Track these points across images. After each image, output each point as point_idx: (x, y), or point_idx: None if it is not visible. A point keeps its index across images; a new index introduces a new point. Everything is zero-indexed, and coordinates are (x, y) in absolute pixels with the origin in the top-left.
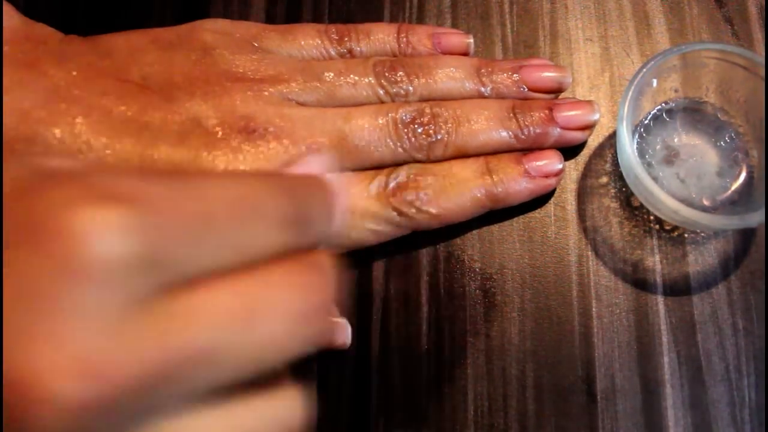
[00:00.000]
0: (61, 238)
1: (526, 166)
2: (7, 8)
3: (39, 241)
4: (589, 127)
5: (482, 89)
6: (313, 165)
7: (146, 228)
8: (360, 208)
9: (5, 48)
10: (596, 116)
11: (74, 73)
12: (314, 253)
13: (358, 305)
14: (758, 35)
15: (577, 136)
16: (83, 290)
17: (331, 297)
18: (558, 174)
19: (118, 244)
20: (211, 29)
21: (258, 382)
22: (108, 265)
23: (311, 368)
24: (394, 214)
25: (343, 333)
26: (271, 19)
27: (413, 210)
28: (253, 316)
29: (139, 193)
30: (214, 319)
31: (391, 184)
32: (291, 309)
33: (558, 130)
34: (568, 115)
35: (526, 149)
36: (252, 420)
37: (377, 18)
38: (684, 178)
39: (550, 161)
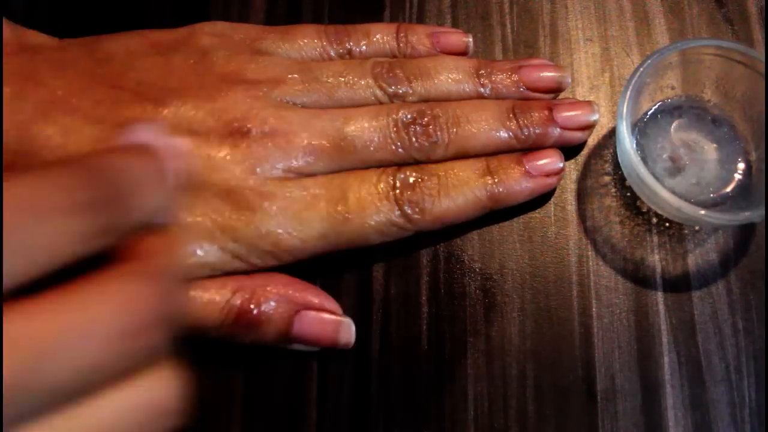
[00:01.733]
0: None
1: (527, 166)
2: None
3: None
4: (588, 127)
5: (482, 90)
6: (138, 133)
7: None
8: (367, 206)
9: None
10: (596, 116)
11: (70, 80)
12: (148, 243)
13: (358, 305)
14: (758, 35)
15: (576, 135)
16: None
17: (166, 303)
18: (559, 173)
19: None
20: (210, 32)
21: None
22: None
23: (182, 349)
24: (399, 214)
25: (348, 332)
26: (270, 19)
27: (417, 211)
28: (65, 344)
29: None
30: (23, 351)
31: (397, 184)
32: (108, 330)
33: (558, 130)
34: (568, 115)
35: (526, 149)
36: (118, 413)
37: (377, 18)
38: (684, 175)
39: (551, 160)
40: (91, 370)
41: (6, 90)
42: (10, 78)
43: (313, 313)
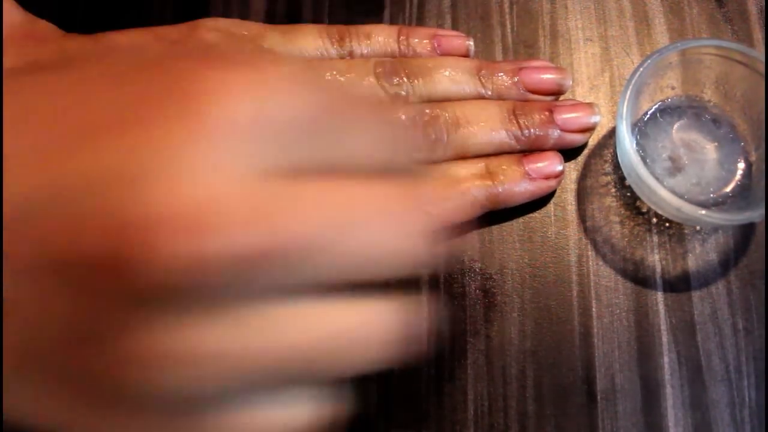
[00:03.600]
0: (190, 98)
1: (527, 168)
2: (10, 5)
3: (172, 99)
4: (589, 129)
5: (482, 90)
6: None
7: (266, 99)
8: None
9: (6, 44)
10: (596, 118)
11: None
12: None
13: None
14: (758, 35)
15: (577, 138)
16: (212, 144)
17: (436, 228)
18: (558, 176)
19: (244, 103)
20: (213, 28)
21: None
22: (234, 123)
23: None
24: None
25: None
26: (270, 18)
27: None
28: (367, 220)
29: (266, 68)
30: (332, 212)
31: None
32: (401, 223)
33: (558, 132)
34: (569, 117)
35: (526, 151)
36: (347, 321)
37: (377, 18)
38: (684, 175)
39: (551, 163)
40: (375, 254)
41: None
42: (13, 62)
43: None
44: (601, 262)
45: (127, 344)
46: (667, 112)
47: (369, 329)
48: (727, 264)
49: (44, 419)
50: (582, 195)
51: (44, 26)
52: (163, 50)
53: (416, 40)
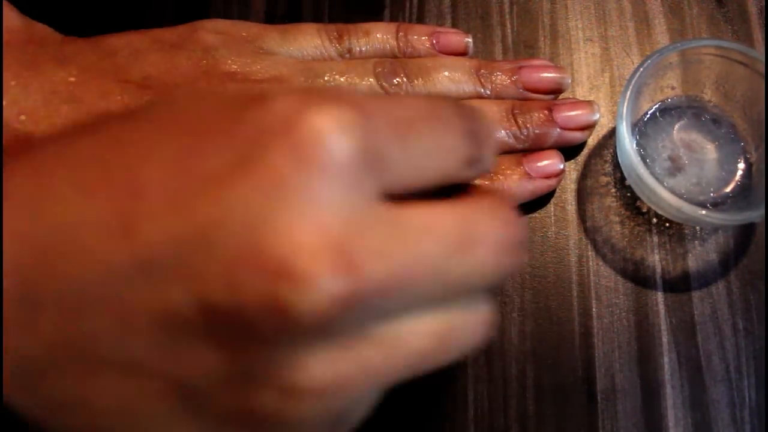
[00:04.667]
0: (300, 137)
1: (527, 167)
2: (8, 9)
3: (277, 141)
4: (588, 127)
5: (481, 90)
6: None
7: (366, 126)
8: None
9: (6, 49)
10: (596, 116)
11: (75, 73)
12: (493, 193)
13: None
14: (758, 35)
15: (576, 136)
16: (324, 182)
17: (523, 233)
18: (559, 174)
19: (348, 139)
20: (212, 29)
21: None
22: (341, 159)
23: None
24: None
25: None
26: (270, 19)
27: None
28: (474, 239)
29: (353, 98)
30: (443, 235)
31: None
32: (500, 238)
33: (557, 130)
34: (568, 115)
35: (526, 150)
36: (454, 323)
37: (377, 18)
38: (684, 175)
39: (551, 162)
40: (478, 272)
41: (10, 80)
42: (13, 67)
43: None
44: (601, 262)
45: (285, 380)
46: (667, 112)
47: (474, 329)
48: (727, 264)
49: None
50: (582, 195)
51: (42, 30)
52: (243, 90)
53: (415, 37)
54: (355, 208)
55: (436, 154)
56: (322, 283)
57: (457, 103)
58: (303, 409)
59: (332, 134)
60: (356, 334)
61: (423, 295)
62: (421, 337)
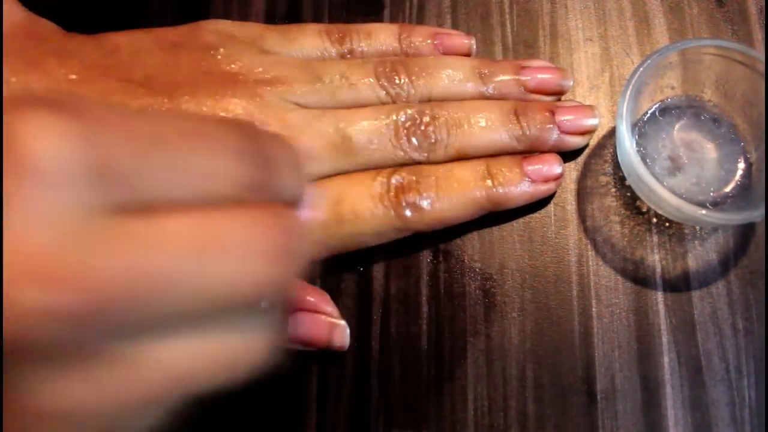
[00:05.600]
0: (15, 143)
1: (527, 170)
2: (11, 4)
3: (5, 149)
4: (588, 132)
5: (483, 90)
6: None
7: (90, 137)
8: (362, 208)
9: (7, 43)
10: (596, 120)
11: (77, 71)
12: (283, 206)
13: (358, 305)
14: (758, 35)
15: (577, 140)
16: (36, 191)
17: (300, 244)
18: (558, 178)
19: (62, 149)
20: (214, 30)
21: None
22: (55, 168)
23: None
24: (395, 215)
25: (342, 335)
26: (270, 19)
27: (414, 212)
28: (214, 247)
29: (88, 110)
30: (174, 244)
31: (393, 186)
32: (253, 246)
33: (558, 133)
34: (569, 118)
35: (526, 151)
36: (219, 349)
37: (377, 18)
38: (684, 174)
39: (550, 165)
40: (230, 281)
41: (10, 75)
42: (13, 61)
43: (307, 315)
44: (601, 262)
45: (12, 405)
46: (667, 112)
47: (240, 354)
48: (727, 264)
49: None
50: (582, 195)
51: (45, 25)
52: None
53: (418, 38)
54: (73, 220)
55: (192, 173)
56: (23, 301)
57: (246, 126)
58: None
59: (46, 140)
60: (93, 355)
61: (167, 312)
62: (182, 359)
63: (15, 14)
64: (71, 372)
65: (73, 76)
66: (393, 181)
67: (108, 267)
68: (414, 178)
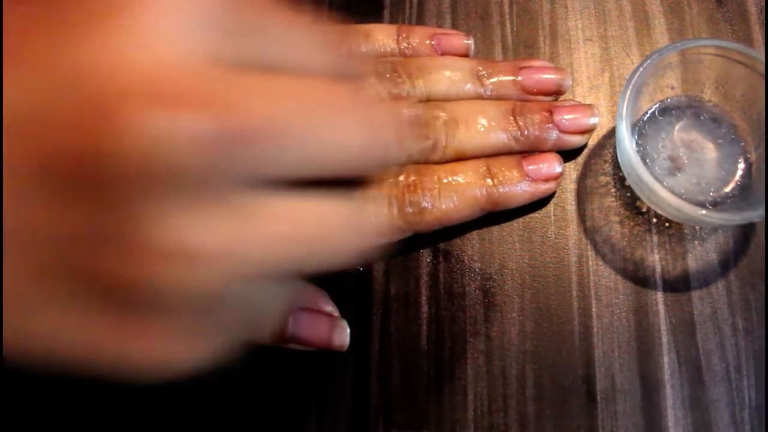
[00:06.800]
0: None
1: (527, 169)
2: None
3: None
4: (588, 131)
5: (482, 91)
6: None
7: None
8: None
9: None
10: (596, 120)
11: None
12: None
13: (358, 305)
14: (758, 35)
15: (576, 139)
16: (170, 19)
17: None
18: (557, 177)
19: None
20: None
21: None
22: (184, 6)
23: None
24: (397, 215)
25: (342, 334)
26: None
27: (415, 212)
28: (335, 106)
29: None
30: (300, 99)
31: (393, 186)
32: (365, 117)
33: (557, 133)
34: (568, 117)
35: (525, 151)
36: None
37: (377, 18)
38: (684, 175)
39: (550, 164)
40: (343, 142)
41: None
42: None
43: (307, 314)
44: (601, 262)
45: (131, 242)
46: (667, 112)
47: (350, 224)
48: (727, 264)
49: (71, 343)
50: (582, 195)
51: None
52: None
53: (416, 39)
54: (205, 57)
55: (308, 48)
56: (131, 120)
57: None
58: (150, 276)
59: None
60: (225, 198)
61: (295, 159)
62: (304, 217)
63: None
64: (207, 209)
65: None
66: (394, 180)
67: (249, 102)
68: (414, 178)
